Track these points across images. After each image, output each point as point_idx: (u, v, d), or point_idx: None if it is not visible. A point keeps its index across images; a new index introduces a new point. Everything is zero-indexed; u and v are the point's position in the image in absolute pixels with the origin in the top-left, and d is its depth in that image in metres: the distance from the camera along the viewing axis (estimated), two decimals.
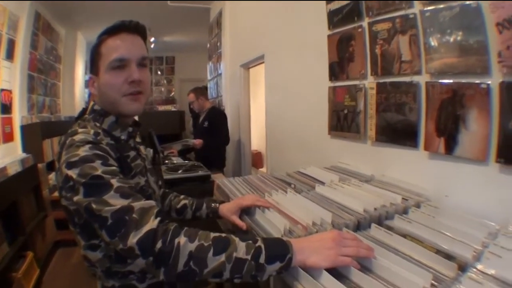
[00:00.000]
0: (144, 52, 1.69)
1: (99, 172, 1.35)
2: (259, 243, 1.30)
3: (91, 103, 1.75)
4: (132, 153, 1.75)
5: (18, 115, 6.23)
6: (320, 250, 1.33)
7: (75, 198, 1.35)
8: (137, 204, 1.32)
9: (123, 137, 1.75)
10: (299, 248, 1.32)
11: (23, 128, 6.27)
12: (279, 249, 1.30)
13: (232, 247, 1.26)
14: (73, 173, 1.35)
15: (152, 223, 1.27)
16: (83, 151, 1.40)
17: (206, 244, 1.25)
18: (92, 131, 1.55)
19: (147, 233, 1.24)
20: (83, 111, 1.75)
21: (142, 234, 1.24)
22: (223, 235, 1.32)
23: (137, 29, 1.70)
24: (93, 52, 1.66)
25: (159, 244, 1.22)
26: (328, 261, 1.30)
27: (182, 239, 1.24)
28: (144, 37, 1.75)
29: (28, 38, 6.86)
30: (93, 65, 1.67)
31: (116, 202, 1.31)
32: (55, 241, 5.63)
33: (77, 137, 1.46)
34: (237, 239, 1.30)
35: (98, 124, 1.67)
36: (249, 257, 1.25)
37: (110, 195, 1.32)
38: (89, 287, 3.40)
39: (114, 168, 1.43)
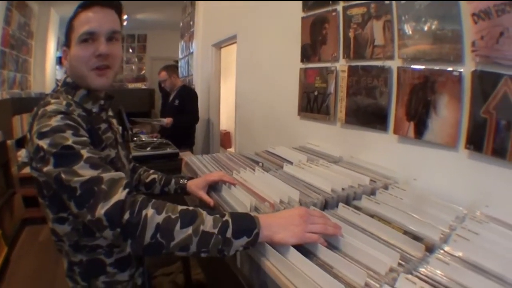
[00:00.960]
0: (115, 26, 1.66)
1: (69, 142, 1.34)
2: (227, 217, 1.30)
3: (64, 76, 1.73)
4: (103, 126, 1.75)
5: None
6: (287, 226, 1.34)
7: (45, 169, 1.34)
8: (107, 175, 1.31)
9: (94, 110, 1.74)
10: (267, 224, 1.33)
11: None
12: (246, 224, 1.31)
13: (199, 220, 1.26)
14: (44, 143, 1.34)
15: (121, 194, 1.26)
16: (55, 121, 1.39)
17: (173, 217, 1.24)
18: (64, 102, 1.53)
19: (115, 204, 1.23)
20: (56, 87, 1.74)
21: (110, 205, 1.23)
22: (191, 208, 1.32)
23: (111, 3, 1.67)
24: (67, 25, 1.64)
25: (126, 215, 1.21)
26: (295, 237, 1.31)
27: (149, 211, 1.23)
28: (119, 12, 1.72)
29: (2, 13, 6.75)
30: (67, 38, 1.65)
31: (86, 172, 1.29)
32: (23, 219, 5.56)
33: (50, 107, 1.45)
34: (204, 213, 1.30)
35: (70, 97, 1.65)
36: (216, 230, 1.25)
37: (80, 166, 1.31)
38: (57, 265, 3.38)
39: (85, 139, 1.42)
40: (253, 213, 1.41)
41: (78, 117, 1.50)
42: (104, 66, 1.64)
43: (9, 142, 5.47)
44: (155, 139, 5.54)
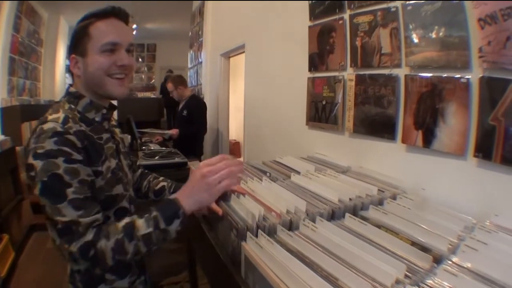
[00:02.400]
0: (131, 39, 1.75)
1: (60, 171, 1.43)
2: (154, 212, 1.52)
3: (67, 86, 1.77)
4: (105, 135, 1.75)
5: None
6: (199, 192, 1.62)
7: (35, 191, 1.46)
8: (84, 220, 1.43)
9: (97, 119, 1.75)
10: (185, 199, 1.59)
11: (3, 110, 6.21)
12: (170, 210, 1.54)
13: (136, 228, 1.47)
14: (37, 164, 1.42)
15: (89, 235, 1.42)
16: (49, 144, 1.44)
17: (120, 237, 1.44)
18: (62, 117, 1.55)
19: (84, 245, 1.40)
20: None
21: (81, 244, 1.40)
22: (128, 220, 1.50)
23: (125, 17, 1.74)
24: (79, 32, 1.64)
25: (92, 252, 1.40)
26: (211, 197, 1.66)
27: (102, 242, 1.42)
28: (128, 24, 1.79)
29: (11, 20, 6.80)
30: (79, 46, 1.65)
31: (68, 213, 1.42)
32: (31, 225, 5.57)
33: (46, 126, 1.48)
34: (136, 219, 1.50)
35: (73, 106, 1.67)
36: (151, 229, 1.48)
37: (64, 205, 1.42)
38: (63, 272, 3.37)
39: (75, 166, 1.48)
40: (172, 196, 1.64)
41: (74, 135, 1.51)
42: (123, 75, 1.70)
43: (18, 148, 5.52)
44: (163, 148, 5.54)
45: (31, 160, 1.44)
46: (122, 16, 1.71)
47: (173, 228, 1.52)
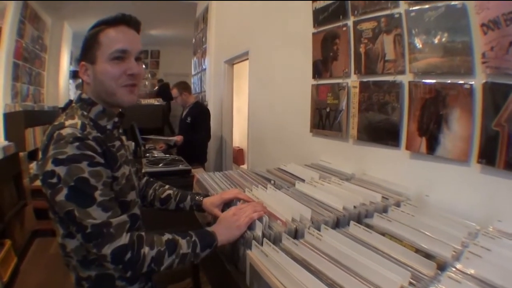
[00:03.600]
0: (141, 47, 1.74)
1: (85, 175, 1.43)
2: (194, 237, 1.63)
3: (78, 92, 1.79)
4: (117, 143, 1.76)
5: (2, 103, 6.20)
6: (231, 226, 1.73)
7: (57, 198, 1.42)
8: (115, 221, 1.45)
9: (109, 127, 1.75)
10: (221, 233, 1.70)
11: (6, 116, 6.21)
12: (208, 240, 1.65)
13: (179, 247, 1.56)
14: (60, 170, 1.41)
15: (125, 238, 1.44)
16: (71, 149, 1.44)
17: (162, 249, 1.51)
18: (79, 123, 1.55)
19: (119, 247, 1.42)
20: (70, 102, 1.78)
21: (116, 247, 1.41)
22: (170, 237, 1.59)
23: (136, 24, 1.75)
24: (89, 39, 1.66)
25: (128, 255, 1.42)
26: (239, 230, 1.72)
27: (146, 249, 1.47)
28: (139, 32, 1.79)
29: (15, 26, 6.82)
30: (88, 53, 1.66)
31: (98, 215, 1.42)
32: (33, 230, 5.55)
33: (65, 132, 1.47)
34: (179, 238, 1.59)
35: (85, 113, 1.67)
36: (190, 250, 1.58)
37: (93, 209, 1.42)
38: (65, 278, 3.37)
39: (99, 168, 1.50)
40: (210, 229, 1.73)
41: (94, 141, 1.52)
42: (133, 84, 1.70)
43: (21, 154, 5.49)
44: (167, 155, 5.54)
45: (51, 166, 1.42)
46: (132, 24, 1.72)
47: (203, 254, 1.63)
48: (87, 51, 1.66)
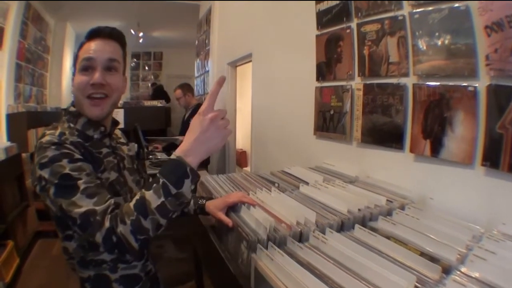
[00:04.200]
0: (113, 55, 1.74)
1: (67, 170, 1.47)
2: (161, 178, 1.40)
3: (69, 104, 1.83)
4: (104, 150, 1.81)
5: (5, 104, 6.21)
6: (206, 140, 1.45)
7: (48, 198, 1.48)
8: (99, 208, 1.42)
9: (96, 136, 1.80)
10: (191, 153, 1.44)
11: (9, 116, 6.26)
12: (177, 171, 1.41)
13: (148, 203, 1.38)
14: (44, 173, 1.47)
15: (107, 223, 1.39)
16: (51, 152, 1.50)
17: (134, 218, 1.37)
18: (58, 132, 1.61)
19: (106, 232, 1.38)
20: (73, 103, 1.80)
21: (104, 234, 1.38)
22: (138, 197, 1.42)
23: (111, 35, 1.76)
24: (75, 54, 1.76)
25: (114, 239, 1.38)
26: (221, 142, 1.49)
27: (121, 227, 1.38)
28: (122, 43, 1.83)
29: (18, 26, 6.84)
30: (74, 67, 1.75)
31: (83, 202, 1.43)
32: (36, 231, 5.61)
33: (44, 139, 1.54)
34: (145, 193, 1.40)
35: (72, 125, 1.73)
36: (163, 198, 1.37)
37: (78, 197, 1.43)
38: (68, 280, 3.38)
39: (79, 164, 1.53)
40: (176, 153, 1.48)
41: (71, 145, 1.57)
42: (100, 95, 1.71)
43: (24, 155, 5.55)
44: (166, 155, 5.54)
45: (38, 172, 1.48)
46: (107, 35, 1.74)
47: (185, 189, 1.41)
48: (74, 65, 1.75)
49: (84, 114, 1.73)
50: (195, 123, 1.48)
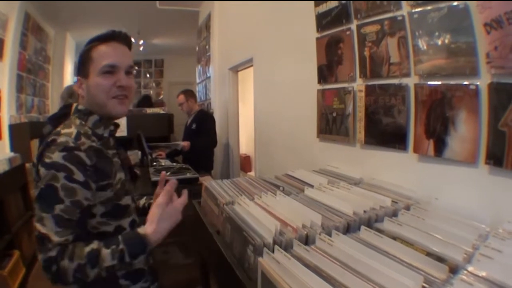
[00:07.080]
0: (131, 62, 1.85)
1: (57, 184, 1.51)
2: (121, 245, 1.50)
3: (74, 105, 1.86)
4: (111, 151, 1.84)
5: (7, 114, 6.20)
6: (164, 221, 1.59)
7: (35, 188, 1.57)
8: (54, 239, 1.46)
9: (105, 135, 1.85)
10: (154, 235, 1.55)
11: (12, 127, 6.23)
12: (139, 247, 1.53)
13: (101, 259, 1.46)
14: (42, 172, 1.54)
15: (53, 252, 1.44)
16: (57, 157, 1.53)
17: (82, 262, 1.44)
18: (74, 133, 1.64)
19: (48, 259, 1.44)
20: (61, 111, 1.83)
21: (46, 258, 1.44)
22: (94, 247, 1.49)
23: (126, 40, 1.86)
24: (83, 56, 1.77)
25: (53, 268, 1.43)
26: (174, 222, 1.63)
27: (65, 262, 1.43)
28: (130, 47, 1.90)
29: (18, 37, 6.84)
30: (83, 68, 1.77)
31: (48, 225, 1.48)
32: None
33: (59, 139, 1.58)
34: (102, 249, 1.49)
35: (83, 122, 1.76)
36: (115, 262, 1.48)
37: (47, 217, 1.48)
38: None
39: (75, 186, 1.55)
40: (142, 231, 1.57)
41: (85, 152, 1.60)
42: (123, 96, 1.79)
43: (27, 165, 5.51)
44: (174, 163, 5.53)
45: (39, 164, 1.57)
46: (122, 39, 1.83)
47: (137, 261, 1.55)
48: (82, 66, 1.78)
49: (106, 113, 1.79)
50: (159, 208, 1.61)
